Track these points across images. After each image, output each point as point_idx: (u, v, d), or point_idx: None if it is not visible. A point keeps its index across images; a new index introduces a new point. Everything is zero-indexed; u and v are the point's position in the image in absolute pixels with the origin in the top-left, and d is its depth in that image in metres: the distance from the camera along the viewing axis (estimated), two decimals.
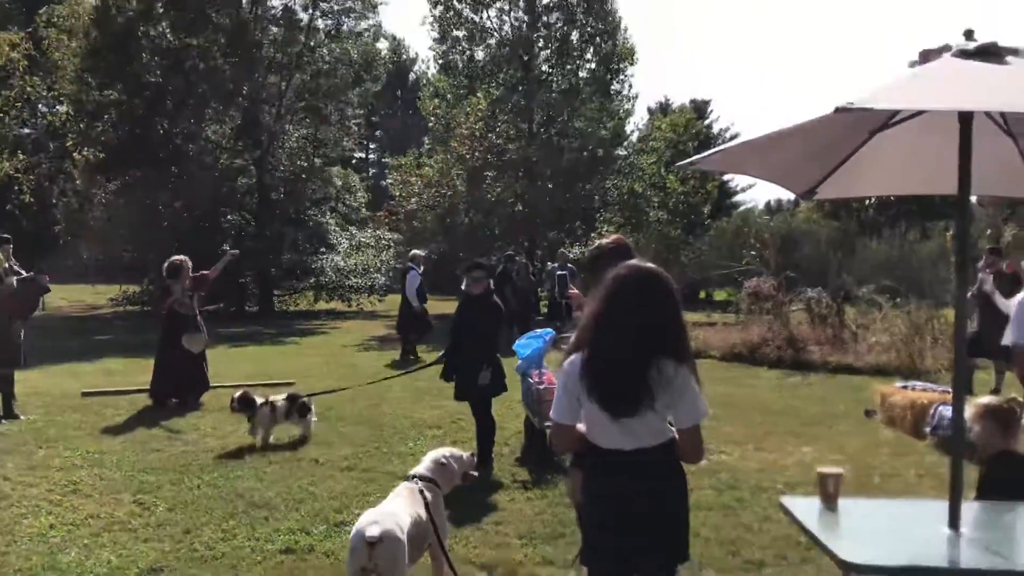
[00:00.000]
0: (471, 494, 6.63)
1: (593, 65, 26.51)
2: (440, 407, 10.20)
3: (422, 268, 15.70)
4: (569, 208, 25.70)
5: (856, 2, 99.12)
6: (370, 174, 52.12)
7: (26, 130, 33.23)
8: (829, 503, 3.67)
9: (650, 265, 3.21)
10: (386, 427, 9.21)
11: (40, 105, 32.85)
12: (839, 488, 3.69)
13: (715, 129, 45.23)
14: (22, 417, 9.37)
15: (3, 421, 9.16)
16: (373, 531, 3.82)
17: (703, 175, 27.97)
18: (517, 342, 8.18)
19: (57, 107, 30.74)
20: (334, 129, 27.81)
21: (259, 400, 8.39)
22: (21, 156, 29.45)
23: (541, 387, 7.68)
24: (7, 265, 9.31)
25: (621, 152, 28.28)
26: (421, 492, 4.37)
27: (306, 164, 26.82)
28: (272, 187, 26.37)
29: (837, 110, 2.79)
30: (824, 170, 4.20)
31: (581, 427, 3.22)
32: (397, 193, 26.91)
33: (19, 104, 29.92)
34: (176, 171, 25.10)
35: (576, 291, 5.54)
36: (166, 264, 10.59)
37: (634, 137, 30.15)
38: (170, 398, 10.24)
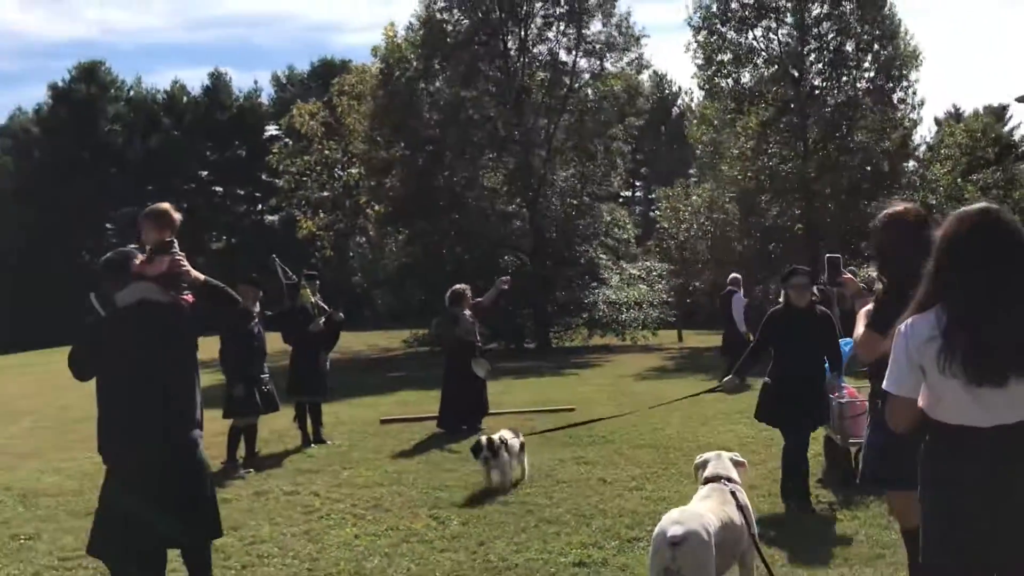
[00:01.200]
0: (772, 514, 6.17)
1: (872, 74, 24.75)
2: (729, 431, 9.73)
3: (742, 291, 15.45)
4: (853, 228, 24.02)
5: None
6: (637, 211, 52.24)
7: (325, 192, 36.57)
8: None
9: (1001, 208, 2.73)
10: (672, 449, 8.88)
11: (336, 169, 36.01)
12: None
13: (1016, 136, 40.84)
14: (328, 442, 10.02)
15: (312, 445, 9.84)
16: (676, 530, 3.54)
17: (1009, 183, 25.22)
18: None
19: (350, 169, 33.59)
20: (601, 166, 28.09)
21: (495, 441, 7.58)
22: (321, 215, 32.46)
23: (843, 401, 7.05)
24: (313, 300, 10.04)
25: (909, 165, 26.13)
26: (734, 494, 4.03)
27: (575, 202, 27.26)
28: (544, 227, 27.01)
29: None
30: None
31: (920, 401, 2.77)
32: (666, 224, 26.59)
33: (318, 168, 33.08)
34: (456, 218, 26.43)
35: (850, 276, 4.83)
36: (449, 293, 10.97)
37: (922, 148, 27.83)
38: (459, 424, 10.52)
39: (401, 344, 29.16)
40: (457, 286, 10.98)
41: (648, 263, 28.00)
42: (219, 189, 56.17)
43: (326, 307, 10.29)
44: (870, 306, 3.96)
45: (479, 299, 11.19)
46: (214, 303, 4.60)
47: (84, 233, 51.79)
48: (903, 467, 3.62)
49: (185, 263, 4.48)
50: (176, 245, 4.53)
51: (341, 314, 10.32)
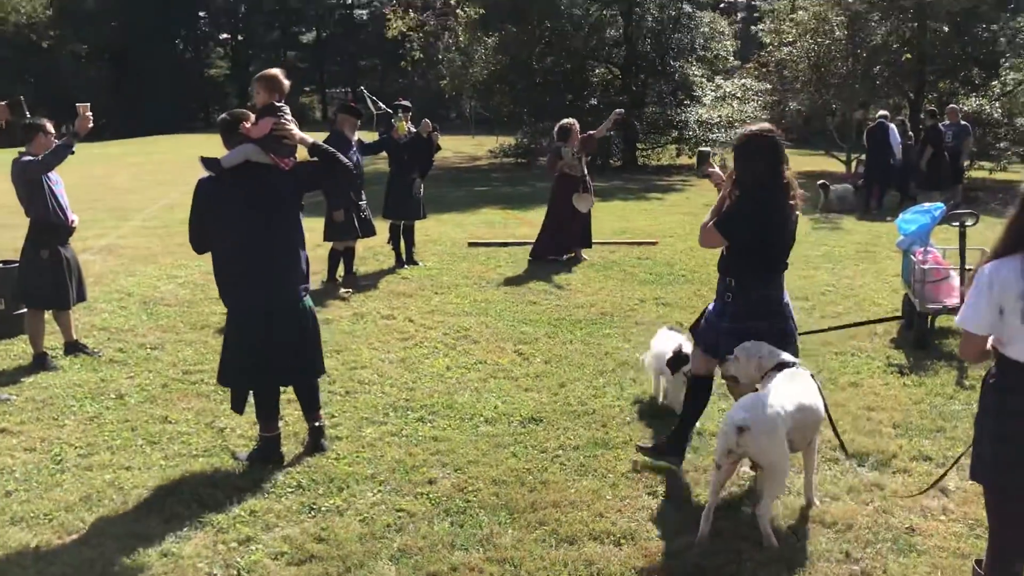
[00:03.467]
0: (842, 376, 6.43)
1: None
2: (808, 276, 9.85)
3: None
4: (966, 54, 22.67)
5: None
6: (738, 18, 49.73)
7: None
8: None
9: None
10: None
11: None
12: None
13: None
14: (421, 264, 10.53)
15: (406, 266, 10.36)
16: (742, 418, 3.87)
17: None
18: (900, 217, 7.62)
19: None
20: None
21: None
22: (412, 14, 31.84)
23: (925, 267, 7.12)
24: (407, 129, 10.15)
25: None
26: (813, 377, 4.31)
27: (674, 12, 26.14)
28: (639, 38, 26.11)
29: None
30: None
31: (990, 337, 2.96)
32: (767, 41, 25.42)
33: None
34: (548, 26, 25.68)
35: (716, 170, 5.00)
36: (556, 128, 10.98)
37: None
38: (560, 254, 10.83)
39: (487, 153, 29.31)
40: (565, 121, 10.98)
41: (745, 81, 27.03)
42: None
43: (426, 129, 10.38)
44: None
45: (591, 132, 11.24)
46: (322, 166, 4.89)
47: (179, 23, 52.03)
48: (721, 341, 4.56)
49: (290, 126, 4.74)
50: (285, 109, 4.79)
51: (439, 143, 10.45)
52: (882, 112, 17.21)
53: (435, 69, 32.84)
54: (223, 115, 4.94)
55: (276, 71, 4.92)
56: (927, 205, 7.53)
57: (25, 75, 44.41)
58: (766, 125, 4.58)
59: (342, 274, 9.48)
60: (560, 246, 10.89)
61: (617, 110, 11.48)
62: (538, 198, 17.70)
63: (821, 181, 16.37)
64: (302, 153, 4.95)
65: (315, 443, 5.11)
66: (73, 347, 7.00)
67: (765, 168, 4.36)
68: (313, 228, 10.33)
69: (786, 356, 4.37)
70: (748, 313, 4.50)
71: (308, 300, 5.00)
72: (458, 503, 4.45)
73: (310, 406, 5.16)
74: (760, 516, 3.97)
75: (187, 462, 4.97)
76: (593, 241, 11.49)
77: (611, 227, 13.53)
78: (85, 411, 5.78)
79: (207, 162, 4.75)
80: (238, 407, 5.03)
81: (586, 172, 10.96)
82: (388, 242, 10.62)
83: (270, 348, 4.83)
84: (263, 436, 5.01)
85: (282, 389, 5.15)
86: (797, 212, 4.50)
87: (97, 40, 47.54)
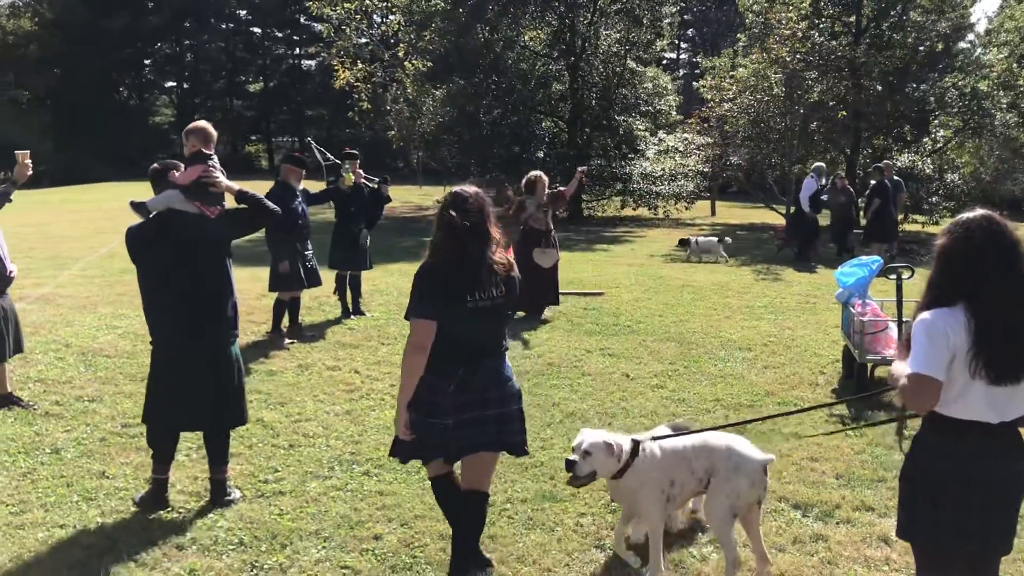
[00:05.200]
0: (785, 427, 6.51)
1: None
2: (752, 327, 10.01)
3: (823, 180, 16.94)
4: (898, 111, 23.55)
5: None
6: (680, 75, 51.03)
7: (363, 39, 35.92)
8: None
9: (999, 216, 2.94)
10: (695, 345, 9.20)
11: (375, 15, 35.23)
12: None
13: None
14: (367, 314, 10.46)
15: (352, 316, 10.28)
16: (767, 457, 4.01)
17: None
18: (839, 270, 7.81)
19: (390, 16, 32.88)
20: (646, 31, 27.36)
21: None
22: (360, 65, 32.03)
23: (864, 319, 7.28)
24: (353, 180, 10.11)
25: (963, 46, 25.33)
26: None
27: (619, 68, 26.75)
28: (584, 92, 26.64)
29: None
30: None
31: None
32: (708, 97, 26.13)
33: (359, 16, 32.42)
34: (495, 79, 26.08)
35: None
36: (524, 180, 10.84)
37: (981, 28, 26.85)
38: (527, 313, 10.59)
39: (434, 203, 29.39)
40: (532, 173, 10.83)
41: (687, 135, 27.69)
42: (257, 30, 55.38)
43: (372, 180, 10.37)
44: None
45: (561, 188, 11.19)
46: (251, 213, 4.92)
47: (121, 68, 51.59)
48: (444, 444, 3.99)
49: (216, 174, 4.79)
50: (214, 158, 4.86)
51: (388, 194, 10.44)
52: (818, 165, 17.94)
53: (383, 120, 33.04)
54: (154, 164, 5.03)
55: (203, 123, 5.12)
56: (865, 258, 7.73)
57: None
58: (469, 188, 3.98)
59: (287, 325, 9.37)
60: (530, 301, 10.28)
61: (580, 168, 11.53)
62: None
63: (683, 238, 18.01)
64: (232, 202, 4.98)
65: (217, 497, 5.04)
66: (7, 400, 6.78)
67: (456, 227, 3.84)
68: (259, 278, 10.29)
69: (628, 436, 4.33)
70: (431, 407, 3.92)
71: (236, 348, 4.99)
72: (404, 559, 4.39)
73: (219, 457, 5.09)
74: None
75: (125, 519, 4.83)
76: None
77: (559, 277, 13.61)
78: (18, 466, 5.59)
79: (136, 205, 4.89)
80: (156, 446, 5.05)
81: (551, 227, 10.68)
82: (334, 292, 10.56)
83: (191, 392, 4.84)
84: (155, 478, 5.00)
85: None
86: (502, 288, 3.93)
87: (39, 87, 46.87)
